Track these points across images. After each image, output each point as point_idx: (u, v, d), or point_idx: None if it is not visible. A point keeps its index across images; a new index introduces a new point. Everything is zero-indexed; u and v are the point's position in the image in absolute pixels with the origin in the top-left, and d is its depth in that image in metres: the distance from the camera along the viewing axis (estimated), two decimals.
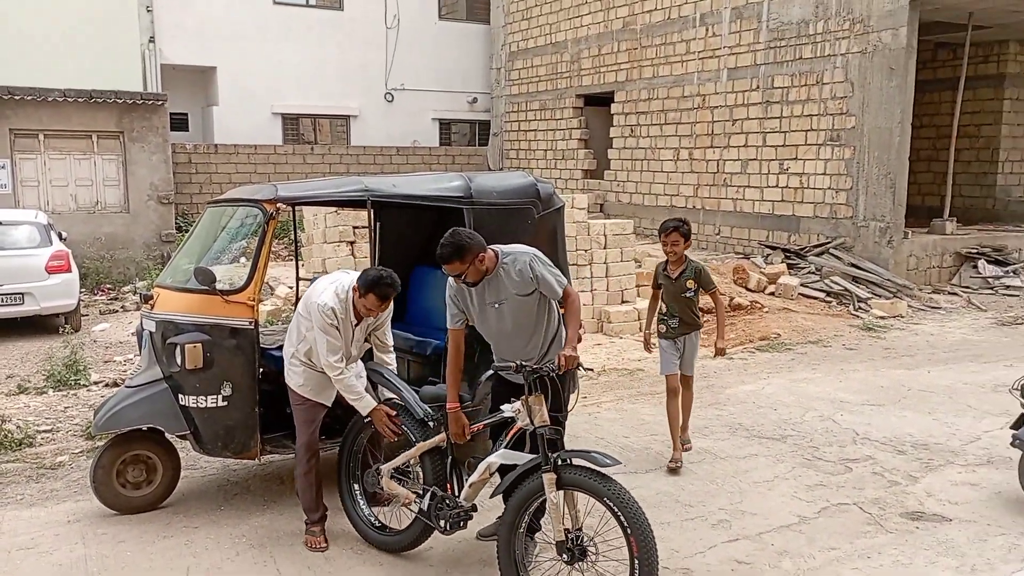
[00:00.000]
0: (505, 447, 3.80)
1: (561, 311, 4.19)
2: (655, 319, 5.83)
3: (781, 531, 4.66)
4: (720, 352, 5.81)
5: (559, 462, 3.54)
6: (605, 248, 10.08)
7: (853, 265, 12.12)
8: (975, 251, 13.13)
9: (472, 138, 21.45)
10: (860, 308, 11.10)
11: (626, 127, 16.76)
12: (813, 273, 12.05)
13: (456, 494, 3.98)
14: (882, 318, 10.74)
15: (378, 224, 6.09)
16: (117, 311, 11.59)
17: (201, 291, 4.66)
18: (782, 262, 12.40)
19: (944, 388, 7.55)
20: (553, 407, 3.75)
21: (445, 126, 21.05)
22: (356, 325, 4.39)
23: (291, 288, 10.03)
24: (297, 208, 6.23)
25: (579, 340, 4.08)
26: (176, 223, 14.90)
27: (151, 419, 4.68)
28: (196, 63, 17.98)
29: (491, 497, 3.82)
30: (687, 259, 5.59)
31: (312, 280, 4.82)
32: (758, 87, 13.97)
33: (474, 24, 20.84)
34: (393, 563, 4.22)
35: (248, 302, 4.63)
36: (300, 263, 6.74)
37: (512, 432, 3.80)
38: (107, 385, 7.45)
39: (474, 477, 3.88)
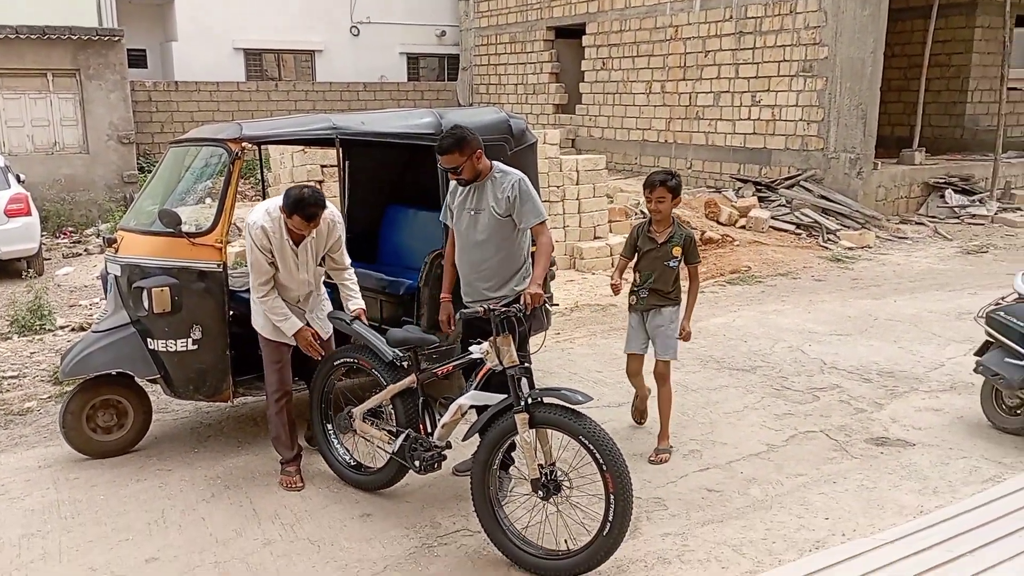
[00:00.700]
0: (475, 388, 3.81)
1: (533, 249, 4.19)
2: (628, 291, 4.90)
3: (750, 459, 4.76)
4: (686, 336, 4.82)
5: (531, 401, 3.55)
6: (577, 184, 10.02)
7: (823, 197, 12.18)
8: (943, 181, 13.24)
9: (441, 73, 21.05)
10: (829, 240, 11.20)
11: (597, 60, 16.51)
12: (784, 206, 12.10)
13: (429, 434, 4.00)
14: (850, 249, 10.85)
15: (347, 163, 5.98)
16: (80, 254, 11.39)
17: (167, 234, 4.57)
18: (753, 195, 12.43)
19: (910, 317, 7.69)
20: (519, 348, 3.75)
21: (413, 61, 20.61)
22: (297, 246, 4.31)
23: None
24: (263, 147, 6.09)
25: (548, 279, 4.11)
26: (138, 163, 14.56)
27: (120, 364, 4.62)
28: None
29: (464, 439, 3.84)
30: (675, 222, 4.71)
31: None
32: (731, 17, 13.78)
33: None
34: (369, 500, 4.26)
35: (215, 244, 4.55)
36: None
37: (482, 373, 3.80)
38: (73, 330, 7.35)
39: (446, 418, 3.90)
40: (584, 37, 16.72)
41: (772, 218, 11.60)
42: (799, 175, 12.76)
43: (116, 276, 4.75)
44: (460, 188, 4.22)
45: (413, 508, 4.18)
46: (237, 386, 4.75)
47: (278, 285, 4.36)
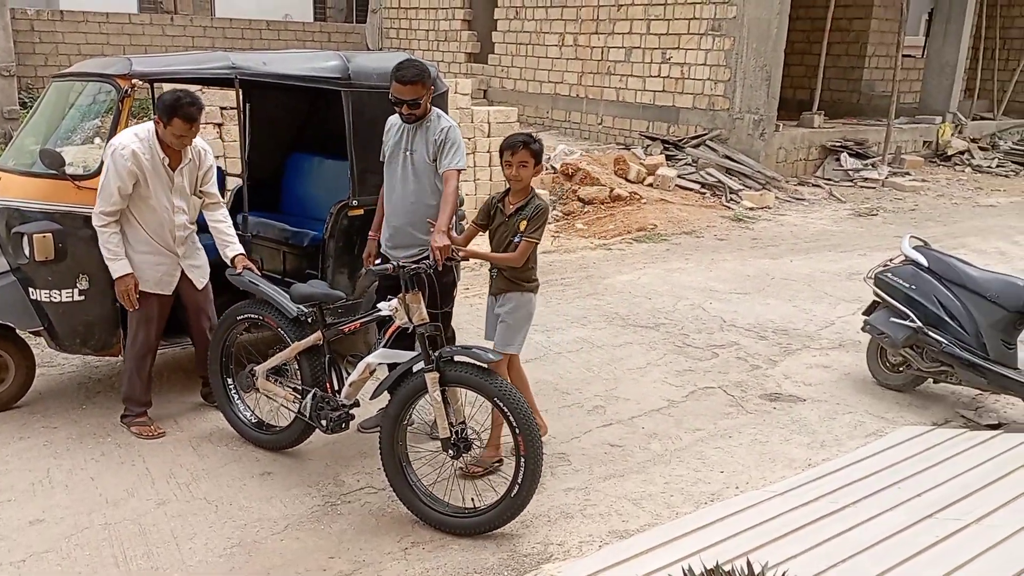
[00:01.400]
0: (384, 346, 3.74)
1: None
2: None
3: (651, 415, 4.88)
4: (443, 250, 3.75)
5: (441, 359, 3.52)
6: (489, 136, 9.90)
7: (727, 157, 12.45)
8: (839, 144, 13.73)
9: (349, 14, 20.38)
10: (732, 199, 11.48)
11: (511, 8, 16.26)
12: (690, 165, 12.31)
13: (336, 393, 3.91)
14: (751, 209, 11.17)
15: (247, 106, 5.71)
16: None
17: (49, 175, 4.28)
18: (661, 153, 12.59)
19: (804, 276, 7.99)
20: (431, 304, 3.69)
21: (320, 0, 19.84)
22: (175, 170, 4.17)
23: None
24: (156, 85, 5.75)
25: (449, 230, 4.00)
26: (19, 98, 13.57)
27: None
28: None
29: (371, 398, 3.78)
30: (533, 193, 4.02)
31: None
32: None
33: None
34: (270, 459, 4.16)
35: None
36: None
37: (391, 331, 3.74)
38: None
39: (354, 376, 3.82)
40: None
41: (679, 177, 11.80)
42: (705, 135, 12.99)
43: None
44: (395, 128, 4.18)
45: (316, 466, 4.12)
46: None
47: (150, 222, 4.18)
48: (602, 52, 14.63)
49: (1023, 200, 12.91)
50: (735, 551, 3.16)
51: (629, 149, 13.08)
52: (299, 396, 4.00)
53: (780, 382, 5.42)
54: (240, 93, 4.93)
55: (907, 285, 5.13)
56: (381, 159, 4.38)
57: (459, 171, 4.08)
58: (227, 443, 4.29)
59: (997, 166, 15.14)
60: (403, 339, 3.83)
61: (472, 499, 3.67)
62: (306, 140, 6.06)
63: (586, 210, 10.39)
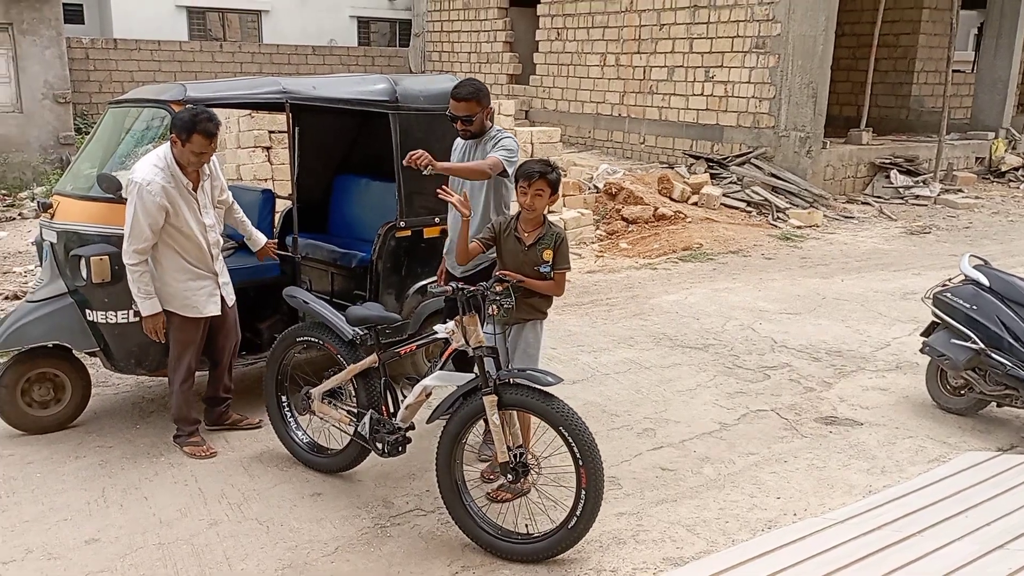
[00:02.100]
0: (440, 368, 3.72)
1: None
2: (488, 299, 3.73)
3: (703, 438, 4.78)
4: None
5: (499, 382, 3.48)
6: (532, 156, 9.90)
7: (773, 175, 12.30)
8: (888, 161, 13.48)
9: (392, 38, 20.64)
10: (779, 218, 11.32)
11: (552, 30, 16.34)
12: (735, 183, 12.19)
13: (392, 415, 3.89)
14: (799, 227, 10.99)
15: (296, 129, 5.79)
16: (14, 218, 10.90)
17: (106, 199, 4.35)
18: (705, 172, 12.49)
19: (857, 296, 7.82)
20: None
21: (364, 24, 20.15)
22: (194, 190, 4.21)
23: None
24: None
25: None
26: (75, 124, 13.96)
27: (56, 335, 4.41)
28: None
29: (428, 422, 3.75)
30: (546, 221, 3.90)
31: None
32: None
33: None
34: (319, 479, 4.15)
35: None
36: None
37: (448, 353, 3.71)
38: (7, 298, 7.03)
39: (410, 399, 3.79)
40: (539, 6, 16.52)
41: (724, 195, 11.68)
42: (750, 152, 12.86)
43: (52, 243, 4.52)
44: (459, 148, 4.31)
45: (365, 487, 4.10)
46: None
47: (188, 249, 4.21)
48: (644, 71, 14.61)
49: None
50: None
51: (673, 168, 12.99)
52: (354, 419, 3.98)
53: (836, 405, 5.28)
54: (290, 117, 4.99)
55: (968, 305, 4.97)
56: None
57: (504, 163, 4.00)
58: (277, 464, 4.30)
59: None
60: (462, 363, 3.80)
61: (526, 525, 3.61)
62: (354, 162, 6.11)
63: (630, 229, 10.32)
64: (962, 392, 5.10)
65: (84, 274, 4.28)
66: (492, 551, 3.52)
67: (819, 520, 3.78)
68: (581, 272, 8.70)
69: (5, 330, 4.40)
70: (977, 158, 15.00)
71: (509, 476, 3.56)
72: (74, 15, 16.98)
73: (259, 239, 4.82)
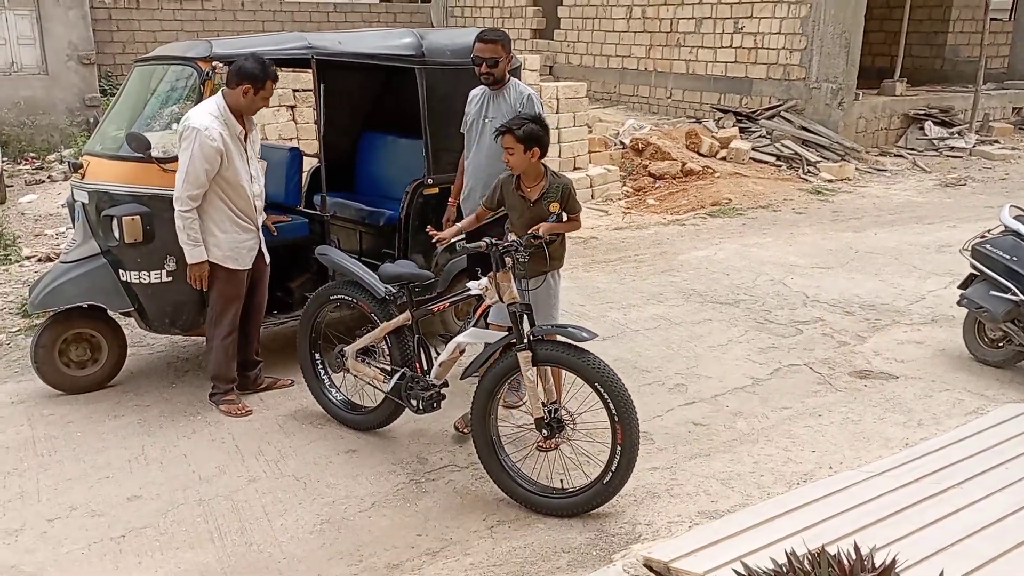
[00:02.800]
0: (474, 325, 3.70)
1: None
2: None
3: (735, 393, 4.75)
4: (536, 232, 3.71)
5: (533, 338, 3.46)
6: (557, 112, 9.78)
7: (804, 128, 12.05)
8: (923, 113, 13.16)
9: None
10: (809, 171, 11.12)
11: None
12: (764, 137, 11.97)
13: (426, 373, 3.89)
14: (830, 181, 10.80)
15: (322, 86, 5.73)
16: (44, 181, 10.97)
17: (136, 159, 4.35)
18: (734, 126, 12.26)
19: (890, 249, 7.69)
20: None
21: None
22: (247, 140, 4.28)
23: None
24: None
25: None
26: (100, 86, 13.96)
27: (91, 296, 4.45)
28: None
29: (462, 378, 3.74)
30: (548, 172, 3.84)
31: None
32: None
33: None
34: (354, 436, 4.19)
35: None
36: None
37: (480, 309, 3.70)
38: (40, 260, 7.11)
39: (443, 356, 3.79)
40: None
41: (753, 149, 11.48)
42: (780, 105, 12.59)
43: (84, 204, 4.54)
44: (476, 98, 4.37)
45: (399, 444, 4.13)
46: None
47: (236, 199, 4.23)
48: (671, 24, 14.29)
49: None
50: (834, 533, 3.05)
51: (700, 122, 12.78)
52: (388, 376, 3.99)
53: (870, 359, 5.22)
54: (316, 73, 4.94)
55: (1008, 256, 4.87)
56: (462, 129, 4.47)
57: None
58: (312, 421, 4.33)
59: None
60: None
61: (560, 479, 3.62)
62: (380, 119, 6.06)
63: (657, 185, 10.20)
64: (1000, 344, 5.02)
65: (116, 234, 4.30)
66: (528, 505, 3.54)
67: (855, 473, 3.76)
68: (608, 228, 8.63)
69: (40, 291, 4.45)
70: (1014, 108, 14.60)
71: (544, 432, 3.56)
72: None
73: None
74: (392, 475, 3.84)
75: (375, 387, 4.11)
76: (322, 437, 4.18)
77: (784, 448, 4.12)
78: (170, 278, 4.40)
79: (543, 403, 3.53)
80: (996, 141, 13.23)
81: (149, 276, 4.39)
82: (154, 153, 4.35)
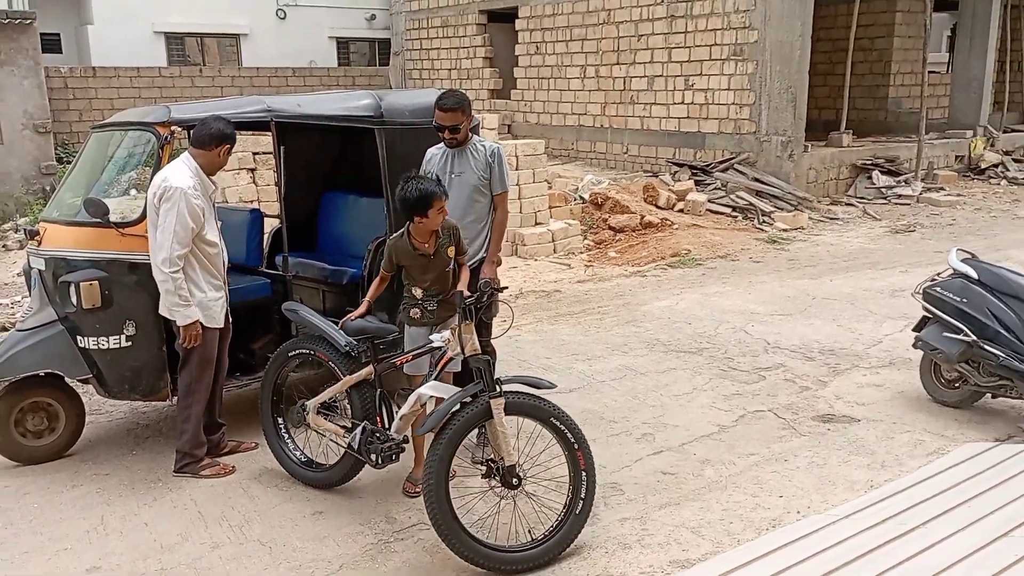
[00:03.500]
0: (435, 379, 3.70)
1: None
2: (405, 306, 4.08)
3: (702, 440, 4.78)
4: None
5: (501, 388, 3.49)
6: (517, 169, 9.93)
7: (756, 179, 12.38)
8: (870, 162, 13.60)
9: (372, 58, 20.69)
10: (764, 221, 11.39)
11: (531, 44, 16.42)
12: (719, 189, 12.26)
13: (386, 427, 3.87)
14: (785, 230, 11.06)
15: (282, 148, 5.78)
16: None
17: (93, 224, 4.32)
18: (690, 179, 12.56)
19: (846, 295, 7.86)
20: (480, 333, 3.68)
21: (343, 45, 20.19)
22: (212, 193, 4.35)
23: None
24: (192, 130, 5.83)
25: (498, 263, 4.24)
26: (56, 154, 13.87)
27: (48, 363, 4.37)
28: None
29: (419, 432, 3.71)
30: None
31: None
32: (662, 1, 13.84)
33: None
34: (320, 497, 4.12)
35: (147, 234, 4.30)
36: None
37: (443, 362, 3.70)
38: None
39: (404, 409, 3.77)
40: (517, 21, 16.61)
41: (709, 201, 11.74)
42: (733, 158, 12.94)
43: (40, 271, 4.48)
44: (437, 157, 4.47)
45: (366, 503, 4.07)
46: (175, 384, 4.53)
47: (209, 255, 4.23)
48: (624, 82, 14.70)
49: None
50: None
51: (657, 176, 13.07)
52: (349, 431, 3.95)
53: (832, 403, 5.30)
54: (275, 135, 4.98)
55: (958, 299, 5.01)
56: None
57: (506, 192, 4.47)
58: (277, 483, 4.26)
59: None
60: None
61: (529, 531, 3.59)
62: (340, 179, 6.10)
63: (618, 238, 10.35)
64: (956, 385, 5.13)
65: (74, 300, 4.24)
66: (503, 567, 3.45)
67: (823, 517, 3.78)
68: (571, 282, 8.71)
69: None
70: (957, 156, 15.16)
71: (514, 480, 3.54)
72: (52, 44, 16.90)
73: None
74: (360, 536, 3.78)
75: (335, 442, 4.07)
76: (287, 499, 4.11)
77: (752, 494, 4.14)
78: (129, 343, 4.34)
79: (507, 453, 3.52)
80: (942, 188, 13.71)
81: (108, 341, 4.33)
82: (112, 218, 4.33)
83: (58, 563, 3.58)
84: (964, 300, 4.97)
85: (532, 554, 3.47)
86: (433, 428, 3.52)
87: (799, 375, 5.79)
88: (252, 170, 10.04)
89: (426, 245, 3.91)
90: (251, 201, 9.72)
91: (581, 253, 9.96)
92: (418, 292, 3.97)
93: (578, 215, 10.82)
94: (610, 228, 10.59)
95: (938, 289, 5.14)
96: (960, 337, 4.91)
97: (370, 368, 3.89)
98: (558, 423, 3.51)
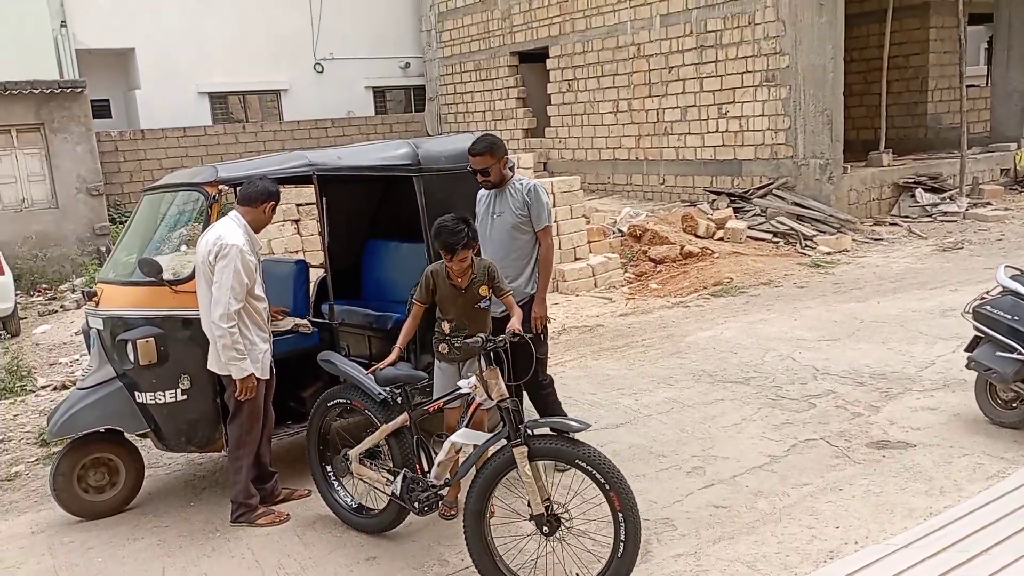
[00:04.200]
0: (466, 425, 3.74)
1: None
2: (435, 340, 4.28)
3: (754, 472, 4.73)
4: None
5: (528, 434, 3.48)
6: (555, 206, 10.01)
7: (797, 204, 12.29)
8: (912, 181, 13.42)
9: (408, 104, 21.09)
10: (807, 246, 11.28)
11: (563, 82, 16.63)
12: (759, 215, 12.20)
13: (426, 473, 3.91)
14: (828, 254, 10.94)
15: (324, 199, 5.93)
16: (56, 311, 11.18)
17: (147, 283, 4.49)
18: (728, 206, 12.51)
19: (895, 317, 7.73)
20: (523, 371, 3.72)
21: (379, 94, 20.64)
22: (259, 249, 4.49)
23: None
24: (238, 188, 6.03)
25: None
26: (109, 215, 14.37)
27: (108, 420, 4.51)
28: (113, 45, 17.25)
29: (453, 479, 3.76)
30: (471, 259, 4.15)
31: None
32: (691, 32, 13.95)
33: None
34: (373, 542, 4.16)
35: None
36: None
37: (472, 408, 3.74)
38: (55, 388, 7.19)
39: (441, 456, 3.81)
40: (548, 60, 16.84)
41: (749, 228, 11.68)
42: (771, 183, 12.88)
43: (99, 330, 4.65)
44: (483, 197, 4.69)
45: (419, 547, 4.10)
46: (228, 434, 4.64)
47: (258, 309, 4.35)
48: (657, 113, 14.78)
49: None
50: None
51: (695, 205, 13.05)
52: (392, 478, 4.00)
53: (886, 428, 5.20)
54: (318, 188, 5.13)
55: (1009, 316, 4.91)
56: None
57: (548, 228, 4.57)
58: (331, 529, 4.31)
59: None
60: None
61: (576, 574, 3.58)
62: (382, 226, 6.24)
63: (658, 269, 10.34)
64: (1014, 405, 5.01)
65: (131, 357, 4.39)
66: None
67: (881, 547, 3.71)
68: (613, 315, 8.72)
69: (58, 419, 4.52)
70: (1001, 169, 14.88)
71: (545, 528, 3.51)
72: (102, 110, 17.59)
73: None
74: None
75: (379, 490, 4.12)
76: (341, 545, 4.16)
77: (808, 526, 4.07)
78: (184, 396, 4.47)
79: (541, 499, 3.49)
80: (988, 203, 13.45)
81: (164, 396, 4.46)
82: (165, 276, 4.49)
83: None
84: (1015, 318, 4.87)
85: None
86: (460, 477, 3.56)
87: (850, 401, 5.70)
88: (296, 221, 10.29)
89: (460, 280, 4.10)
90: (296, 251, 9.95)
91: (622, 286, 9.97)
92: (446, 327, 4.17)
93: (617, 248, 10.85)
94: (650, 260, 10.59)
95: (988, 308, 5.04)
96: (1014, 356, 4.80)
97: (405, 415, 3.95)
98: (586, 465, 3.36)
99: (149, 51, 17.41)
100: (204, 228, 4.55)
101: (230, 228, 4.29)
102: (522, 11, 17.24)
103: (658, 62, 14.59)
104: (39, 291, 12.45)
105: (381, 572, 3.89)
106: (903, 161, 14.23)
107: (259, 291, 4.35)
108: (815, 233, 11.64)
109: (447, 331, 4.17)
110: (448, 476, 3.90)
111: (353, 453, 4.18)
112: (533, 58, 17.60)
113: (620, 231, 11.45)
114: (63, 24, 16.29)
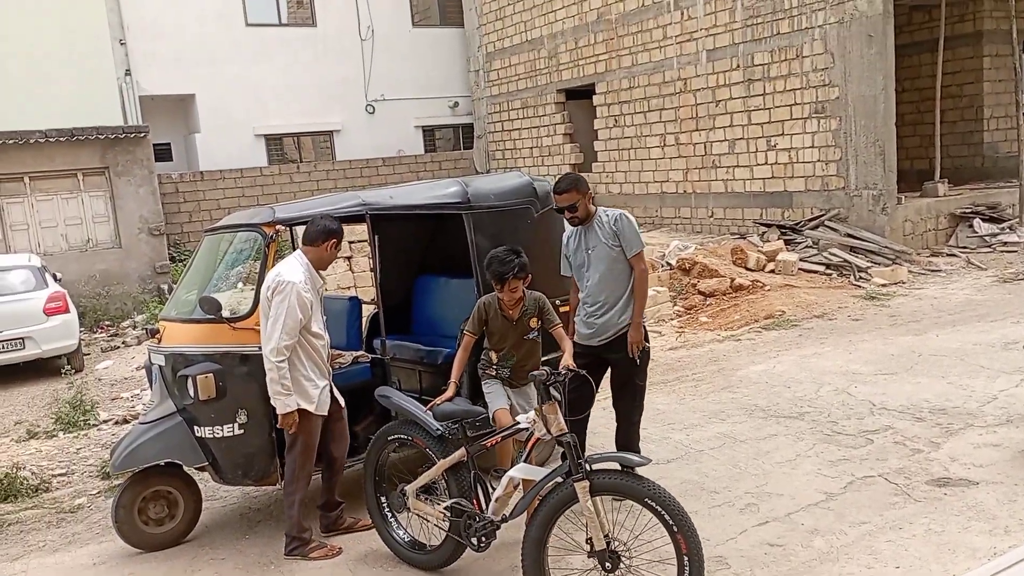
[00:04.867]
0: (525, 459, 3.76)
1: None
2: (481, 365, 4.57)
3: (809, 509, 4.63)
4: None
5: (590, 468, 3.48)
6: None
7: (849, 235, 12.11)
8: (969, 211, 13.13)
9: (456, 142, 21.41)
10: (861, 278, 11.09)
11: (610, 118, 16.74)
12: (811, 247, 12.04)
13: (483, 509, 3.93)
14: (884, 286, 10.73)
15: (376, 237, 6.06)
16: (119, 347, 11.53)
17: (207, 320, 4.63)
18: (779, 239, 12.39)
19: (954, 351, 7.54)
20: (577, 407, 3.75)
21: (429, 133, 21.00)
22: (321, 288, 4.62)
23: None
24: (295, 228, 6.20)
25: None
26: (169, 254, 14.84)
27: (169, 453, 4.64)
28: (174, 91, 17.92)
29: (511, 516, 3.76)
30: (523, 292, 4.41)
31: None
32: (738, 66, 13.95)
33: (448, 28, 20.79)
34: None
35: (255, 327, 4.57)
36: None
37: (531, 444, 3.76)
38: (117, 423, 7.40)
39: (499, 491, 3.82)
40: (595, 96, 16.98)
41: (801, 260, 11.54)
42: (823, 215, 12.73)
43: (160, 366, 4.80)
44: (572, 237, 4.76)
45: None
46: (284, 468, 4.73)
47: (316, 347, 4.45)
48: (705, 147, 14.76)
49: None
50: None
51: (745, 238, 12.94)
52: (449, 514, 4.02)
53: (947, 465, 5.06)
54: (371, 226, 5.25)
55: None
56: (562, 271, 4.85)
57: (641, 252, 4.68)
58: (383, 564, 4.35)
59: None
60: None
61: None
62: (432, 262, 6.34)
63: (708, 303, 10.26)
64: None
65: (191, 392, 4.52)
66: None
67: None
68: (664, 349, 8.66)
69: (121, 453, 4.66)
70: None
71: (607, 564, 3.50)
72: (163, 153, 18.24)
73: None
74: None
75: (436, 525, 4.14)
76: None
77: (867, 565, 3.97)
78: (242, 430, 4.58)
79: (604, 535, 3.49)
80: None
81: (223, 430, 4.58)
82: (224, 313, 4.63)
83: None
84: None
85: None
86: (518, 514, 3.57)
87: (909, 437, 5.56)
88: (348, 258, 10.49)
89: (511, 311, 4.26)
90: (348, 287, 10.12)
91: (672, 319, 9.91)
92: (494, 356, 4.40)
93: (666, 281, 10.81)
94: (700, 293, 10.51)
95: None
96: None
97: (463, 450, 3.97)
98: (654, 504, 3.34)
99: (208, 97, 18.04)
100: (262, 266, 4.70)
101: (290, 266, 4.43)
102: (568, 49, 17.45)
103: (705, 96, 14.61)
104: (102, 328, 12.87)
105: None
106: (959, 191, 13.94)
107: (316, 328, 4.45)
108: (869, 265, 11.44)
109: (494, 360, 4.44)
110: (506, 512, 3.91)
111: (411, 488, 4.22)
112: (580, 94, 17.77)
113: (669, 264, 11.41)
114: (127, 72, 17.00)
